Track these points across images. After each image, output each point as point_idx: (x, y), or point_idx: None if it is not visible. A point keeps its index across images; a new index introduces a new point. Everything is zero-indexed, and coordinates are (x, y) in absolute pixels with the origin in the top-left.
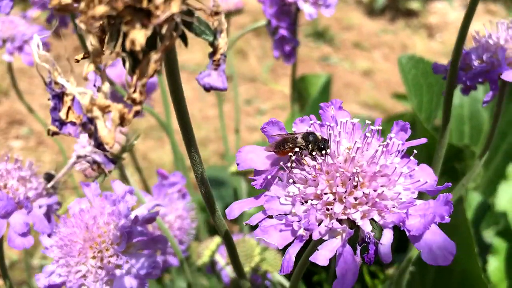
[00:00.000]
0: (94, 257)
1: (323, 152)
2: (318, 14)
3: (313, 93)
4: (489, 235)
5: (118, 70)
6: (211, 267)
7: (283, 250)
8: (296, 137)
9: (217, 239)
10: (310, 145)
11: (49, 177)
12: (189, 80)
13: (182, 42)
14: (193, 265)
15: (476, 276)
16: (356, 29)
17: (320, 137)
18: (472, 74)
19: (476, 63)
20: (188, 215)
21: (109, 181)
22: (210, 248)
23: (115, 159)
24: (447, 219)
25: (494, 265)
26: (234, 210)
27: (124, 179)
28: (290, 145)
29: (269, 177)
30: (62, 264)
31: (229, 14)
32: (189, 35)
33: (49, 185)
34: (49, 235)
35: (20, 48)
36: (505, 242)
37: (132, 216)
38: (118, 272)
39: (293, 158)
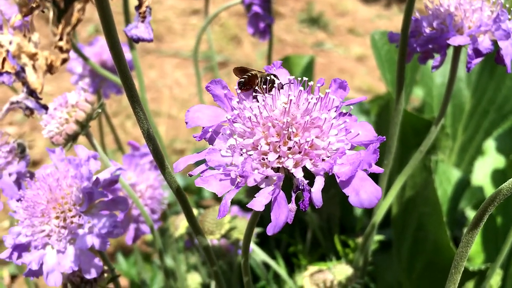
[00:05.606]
0: (57, 217)
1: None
2: None
3: (297, 74)
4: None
5: (96, 48)
6: (190, 240)
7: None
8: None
9: (194, 211)
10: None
11: (21, 146)
12: (184, 66)
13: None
14: (172, 238)
15: (446, 245)
16: (351, 15)
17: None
18: (422, 40)
19: (427, 30)
20: (160, 185)
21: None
22: None
23: (81, 125)
24: (375, 167)
25: None
26: (180, 164)
27: (92, 146)
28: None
29: (210, 130)
30: (27, 225)
31: None
32: None
33: None
34: (18, 200)
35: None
36: None
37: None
38: (80, 231)
39: (236, 111)
